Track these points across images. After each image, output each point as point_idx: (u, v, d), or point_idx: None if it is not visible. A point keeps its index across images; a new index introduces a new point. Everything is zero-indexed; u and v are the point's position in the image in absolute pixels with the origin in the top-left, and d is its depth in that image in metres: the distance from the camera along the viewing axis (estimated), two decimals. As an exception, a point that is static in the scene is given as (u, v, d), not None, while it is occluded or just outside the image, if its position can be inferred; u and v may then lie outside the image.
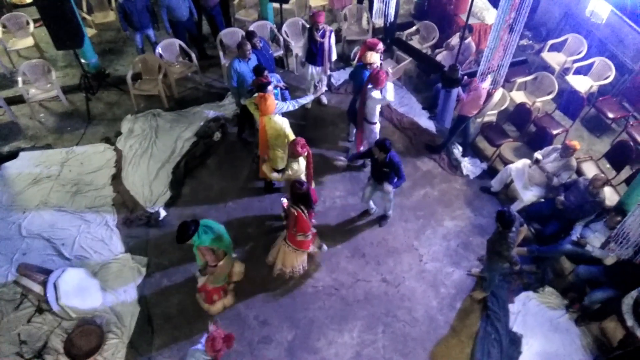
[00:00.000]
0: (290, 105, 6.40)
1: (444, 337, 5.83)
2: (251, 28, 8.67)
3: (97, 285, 5.89)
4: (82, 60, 8.42)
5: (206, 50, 9.33)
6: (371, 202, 6.85)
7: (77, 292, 5.53)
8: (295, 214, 5.37)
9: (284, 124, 6.20)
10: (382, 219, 6.86)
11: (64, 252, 6.37)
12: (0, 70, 8.79)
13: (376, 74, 6.32)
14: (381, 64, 7.09)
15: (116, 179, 7.26)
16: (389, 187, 6.08)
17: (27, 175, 7.25)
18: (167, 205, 6.97)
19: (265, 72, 6.38)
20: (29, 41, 8.96)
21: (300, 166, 6.03)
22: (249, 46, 6.72)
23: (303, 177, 6.09)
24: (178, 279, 6.20)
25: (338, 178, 7.37)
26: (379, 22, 9.48)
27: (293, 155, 5.85)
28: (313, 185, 6.30)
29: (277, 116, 6.15)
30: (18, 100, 8.19)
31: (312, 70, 7.82)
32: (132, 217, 6.78)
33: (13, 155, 7.12)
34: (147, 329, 5.78)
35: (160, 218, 6.77)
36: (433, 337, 5.82)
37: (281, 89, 6.85)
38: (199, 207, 6.96)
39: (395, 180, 6.07)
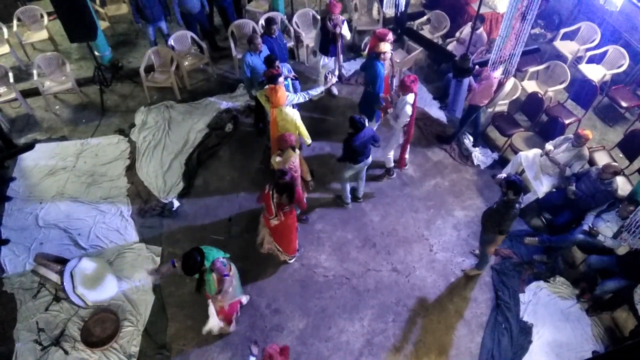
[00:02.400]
0: (301, 97, 6.42)
1: (454, 326, 5.87)
2: (262, 19, 8.72)
3: (112, 274, 6.00)
4: (96, 53, 8.52)
5: (217, 42, 9.37)
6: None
7: (93, 281, 5.64)
8: (265, 191, 5.40)
9: (295, 115, 6.22)
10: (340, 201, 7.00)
11: (80, 242, 6.50)
12: (15, 63, 8.90)
13: (402, 83, 6.28)
14: (392, 54, 7.07)
15: (130, 170, 7.37)
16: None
17: (43, 166, 7.38)
18: (181, 196, 7.06)
19: (277, 63, 6.42)
20: (44, 34, 9.06)
21: (290, 158, 5.85)
22: (259, 40, 6.75)
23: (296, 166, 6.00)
24: (191, 269, 6.29)
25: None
26: (389, 12, 9.46)
27: (283, 148, 5.79)
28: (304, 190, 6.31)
29: (287, 108, 6.17)
30: (33, 92, 8.30)
31: (325, 60, 7.83)
32: (146, 208, 6.88)
33: (29, 147, 7.22)
34: (161, 317, 5.89)
35: (174, 208, 6.86)
36: (443, 326, 5.86)
37: (292, 79, 6.87)
38: (212, 198, 7.04)
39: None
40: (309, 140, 6.53)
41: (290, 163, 5.80)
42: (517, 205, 5.27)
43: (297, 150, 5.90)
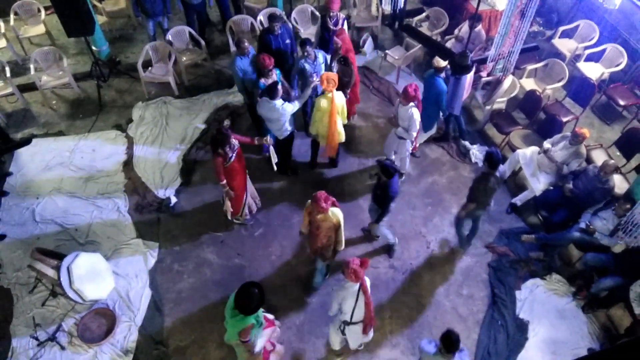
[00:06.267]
0: (297, 105, 6.42)
1: (450, 323, 5.87)
2: (260, 15, 8.70)
3: (109, 270, 5.98)
4: (93, 48, 8.49)
5: (211, 35, 9.39)
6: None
7: (90, 277, 5.61)
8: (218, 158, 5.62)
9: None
10: (388, 250, 6.52)
11: (76, 238, 6.49)
12: (12, 57, 8.87)
13: (405, 92, 6.16)
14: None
15: (127, 165, 7.35)
16: (374, 227, 6.09)
17: (40, 161, 7.36)
18: (178, 192, 7.05)
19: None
20: (41, 28, 9.02)
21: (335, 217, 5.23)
22: (246, 43, 6.64)
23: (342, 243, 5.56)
24: (188, 264, 6.30)
25: (346, 167, 7.40)
26: (387, 8, 9.44)
27: (318, 212, 5.09)
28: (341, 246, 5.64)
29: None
30: (30, 87, 8.27)
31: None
32: (144, 203, 6.87)
33: (26, 141, 7.21)
34: (158, 312, 5.89)
35: (171, 204, 6.86)
36: (440, 323, 5.87)
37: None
38: (209, 194, 7.03)
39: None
40: (345, 121, 6.74)
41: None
42: (492, 179, 5.48)
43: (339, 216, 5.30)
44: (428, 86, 6.84)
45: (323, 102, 6.27)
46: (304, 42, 6.67)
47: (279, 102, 6.11)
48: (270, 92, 6.03)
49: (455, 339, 4.25)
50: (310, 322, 5.83)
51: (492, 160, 5.43)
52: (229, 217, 6.43)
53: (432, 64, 6.69)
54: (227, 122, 7.88)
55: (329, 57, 7.60)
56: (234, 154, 5.77)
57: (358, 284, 4.55)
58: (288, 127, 6.49)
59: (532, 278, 6.26)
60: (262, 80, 6.40)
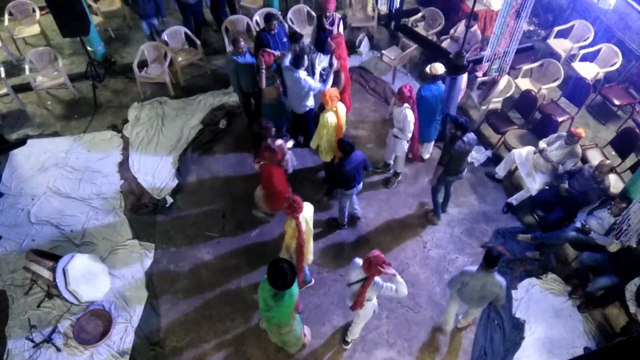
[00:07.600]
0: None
1: (447, 322, 5.89)
2: (256, 15, 8.69)
3: (105, 271, 5.97)
4: (89, 48, 8.46)
5: (203, 34, 9.40)
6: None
7: (85, 278, 5.61)
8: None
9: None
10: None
11: (72, 239, 6.46)
12: (7, 58, 8.82)
13: (400, 92, 6.17)
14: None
15: (123, 166, 7.33)
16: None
17: (35, 162, 7.33)
18: (174, 193, 7.03)
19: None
20: (35, 29, 8.97)
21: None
22: (242, 43, 6.66)
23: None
24: (185, 265, 6.28)
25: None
26: (383, 8, 9.45)
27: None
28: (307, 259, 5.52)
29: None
30: (25, 88, 8.22)
31: (320, 57, 7.78)
32: (140, 204, 6.84)
33: (21, 142, 7.17)
34: (154, 313, 5.87)
35: (167, 205, 6.84)
36: (436, 322, 5.87)
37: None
38: (205, 195, 7.02)
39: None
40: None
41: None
42: (458, 142, 5.70)
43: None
44: (427, 98, 6.68)
45: (329, 119, 6.14)
46: (270, 17, 6.88)
47: (302, 73, 6.17)
48: (296, 60, 6.11)
49: (496, 254, 4.59)
50: (306, 322, 5.81)
51: (463, 127, 5.66)
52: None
53: (430, 71, 6.62)
54: (223, 123, 7.86)
55: (327, 57, 7.63)
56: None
57: (366, 276, 4.55)
58: (307, 104, 6.50)
59: (528, 277, 6.29)
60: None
